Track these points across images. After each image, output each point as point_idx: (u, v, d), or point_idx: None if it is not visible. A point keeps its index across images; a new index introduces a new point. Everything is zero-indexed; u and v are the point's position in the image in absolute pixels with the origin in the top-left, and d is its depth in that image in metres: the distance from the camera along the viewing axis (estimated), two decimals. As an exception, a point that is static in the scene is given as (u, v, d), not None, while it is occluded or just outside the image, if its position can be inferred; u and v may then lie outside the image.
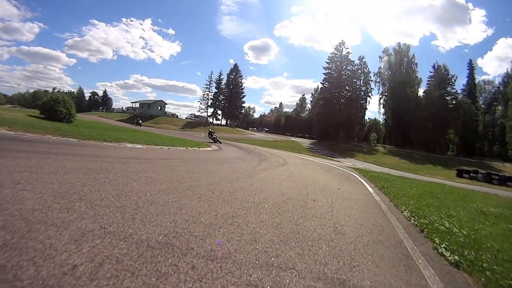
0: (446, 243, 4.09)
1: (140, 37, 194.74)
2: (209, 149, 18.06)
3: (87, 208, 3.22)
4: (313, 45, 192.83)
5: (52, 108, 23.79)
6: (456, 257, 3.60)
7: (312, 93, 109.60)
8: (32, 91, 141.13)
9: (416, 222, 5.39)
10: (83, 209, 3.15)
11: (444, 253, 3.75)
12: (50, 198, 3.34)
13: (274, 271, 2.45)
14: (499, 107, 69.70)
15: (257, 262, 2.55)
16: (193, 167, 8.16)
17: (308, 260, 2.83)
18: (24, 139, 8.68)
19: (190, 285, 2.04)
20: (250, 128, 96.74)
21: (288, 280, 2.34)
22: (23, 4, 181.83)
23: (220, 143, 26.01)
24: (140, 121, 54.19)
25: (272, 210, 4.65)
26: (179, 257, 2.41)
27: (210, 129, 30.71)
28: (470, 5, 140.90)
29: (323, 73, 76.31)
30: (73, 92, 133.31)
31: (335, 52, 75.98)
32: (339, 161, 35.34)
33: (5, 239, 2.23)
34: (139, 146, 12.20)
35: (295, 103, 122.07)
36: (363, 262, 3.04)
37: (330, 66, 75.80)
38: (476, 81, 74.53)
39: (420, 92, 73.69)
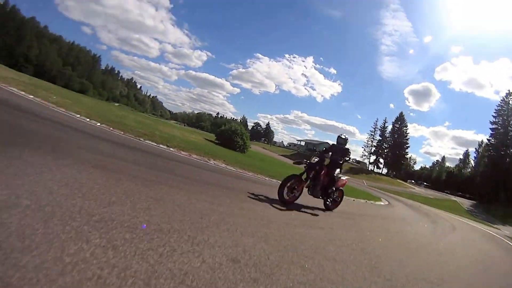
0: None
1: (302, 74, 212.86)
2: (382, 203, 19.64)
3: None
4: (474, 91, 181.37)
5: (230, 138, 28.48)
6: None
7: (476, 148, 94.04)
8: (196, 112, 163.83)
9: None
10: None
11: None
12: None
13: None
14: None
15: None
16: (394, 226, 10.48)
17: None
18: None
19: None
20: (408, 180, 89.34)
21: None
22: (193, 34, 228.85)
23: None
24: None
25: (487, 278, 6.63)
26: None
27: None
28: None
29: (490, 128, 67.98)
30: (236, 119, 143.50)
31: (501, 104, 67.12)
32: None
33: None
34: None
35: (457, 157, 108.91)
36: None
37: (496, 120, 66.98)
38: None
39: None
